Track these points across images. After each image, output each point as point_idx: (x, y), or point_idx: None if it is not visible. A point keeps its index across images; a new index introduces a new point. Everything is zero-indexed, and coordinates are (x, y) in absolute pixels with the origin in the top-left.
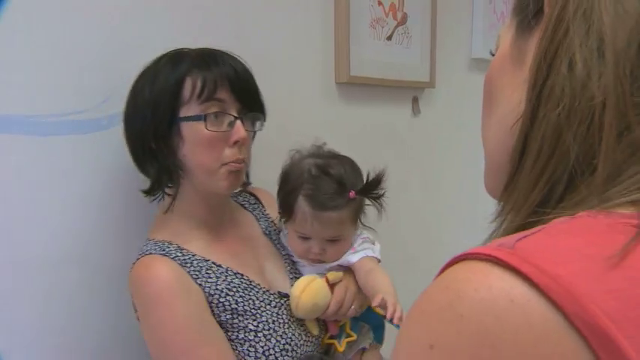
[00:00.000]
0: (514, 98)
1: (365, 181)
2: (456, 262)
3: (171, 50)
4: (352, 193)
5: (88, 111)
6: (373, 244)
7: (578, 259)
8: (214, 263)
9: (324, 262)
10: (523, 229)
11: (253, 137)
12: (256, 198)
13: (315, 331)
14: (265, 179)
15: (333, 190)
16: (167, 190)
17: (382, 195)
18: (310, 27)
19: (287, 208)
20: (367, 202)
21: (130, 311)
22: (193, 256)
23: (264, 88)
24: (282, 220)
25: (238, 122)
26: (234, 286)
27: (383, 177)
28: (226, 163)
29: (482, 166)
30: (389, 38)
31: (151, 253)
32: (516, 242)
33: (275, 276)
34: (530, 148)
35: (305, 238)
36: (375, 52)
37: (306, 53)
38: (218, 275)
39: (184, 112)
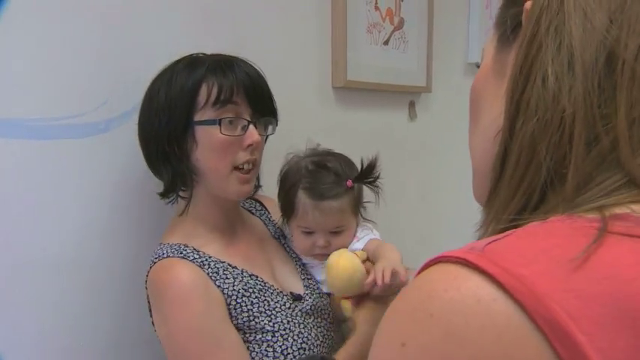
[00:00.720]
0: (496, 109)
1: (360, 169)
2: (431, 265)
3: (188, 55)
4: (349, 182)
5: (85, 115)
6: (372, 231)
7: (543, 260)
8: (230, 265)
9: (328, 255)
10: None
11: (265, 141)
12: (262, 204)
13: (349, 312)
14: (264, 183)
15: (331, 180)
16: (181, 194)
17: (377, 178)
18: (307, 31)
19: (288, 206)
20: (365, 200)
21: (138, 313)
22: (210, 257)
23: None
24: (285, 219)
25: (252, 126)
26: (250, 287)
27: (376, 162)
28: (237, 168)
29: None
30: (386, 43)
31: (168, 256)
32: (486, 245)
33: (286, 277)
34: (509, 159)
35: (309, 233)
36: (372, 57)
37: (303, 57)
38: (235, 276)
39: (199, 117)
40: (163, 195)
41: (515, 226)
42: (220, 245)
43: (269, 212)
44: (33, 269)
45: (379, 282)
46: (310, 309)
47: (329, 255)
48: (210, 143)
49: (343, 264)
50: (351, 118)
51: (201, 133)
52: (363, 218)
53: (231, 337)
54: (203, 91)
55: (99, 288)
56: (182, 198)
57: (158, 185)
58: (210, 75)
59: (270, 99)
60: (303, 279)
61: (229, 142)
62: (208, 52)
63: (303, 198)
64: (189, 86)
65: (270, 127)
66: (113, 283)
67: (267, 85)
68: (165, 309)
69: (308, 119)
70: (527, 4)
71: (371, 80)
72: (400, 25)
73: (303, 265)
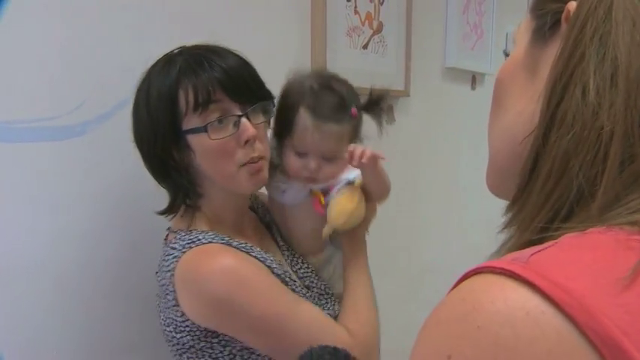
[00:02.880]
0: (524, 110)
1: (368, 99)
2: (472, 275)
3: (166, 54)
4: (354, 110)
5: (60, 117)
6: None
7: (590, 273)
8: (246, 244)
9: (317, 181)
10: (530, 245)
11: (270, 125)
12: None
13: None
14: None
15: (336, 102)
16: (189, 203)
17: (384, 111)
18: (287, 35)
19: (287, 123)
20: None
21: (115, 319)
22: (230, 239)
23: None
24: (278, 139)
25: (243, 120)
26: (270, 262)
27: (386, 94)
28: (244, 164)
29: (455, 175)
30: (365, 47)
31: (202, 243)
32: (530, 256)
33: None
34: (540, 169)
35: (302, 155)
36: (352, 61)
37: (282, 61)
38: (258, 253)
39: (186, 125)
40: (165, 212)
41: (544, 237)
42: (236, 235)
43: (263, 204)
44: (7, 275)
45: (356, 155)
46: (313, 289)
47: (315, 180)
48: (205, 150)
49: (346, 201)
50: None
51: (193, 140)
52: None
53: (296, 294)
54: (181, 97)
55: (74, 293)
56: (190, 207)
57: (135, 188)
58: (183, 78)
59: (257, 82)
60: (296, 266)
61: (223, 143)
62: None
63: (304, 117)
64: (166, 95)
65: (269, 110)
66: (90, 287)
67: (250, 70)
68: (233, 295)
69: None
70: (571, 5)
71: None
72: (379, 29)
73: (291, 253)
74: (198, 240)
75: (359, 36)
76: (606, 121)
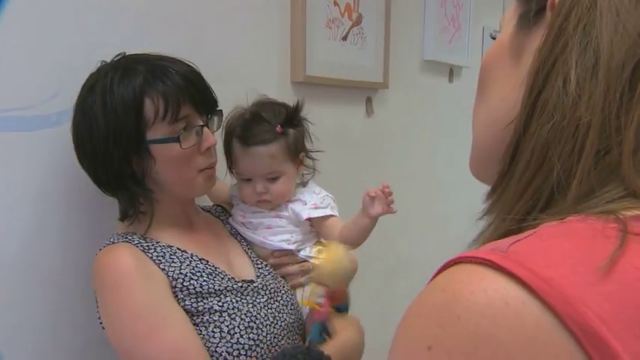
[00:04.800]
0: (508, 96)
1: (285, 114)
2: (452, 265)
3: (115, 60)
4: (279, 128)
5: (34, 107)
6: (321, 197)
7: (569, 262)
8: (179, 249)
9: (271, 203)
10: (508, 234)
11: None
12: (223, 208)
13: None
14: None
15: (261, 127)
16: (142, 209)
17: (300, 121)
18: (266, 26)
19: (227, 155)
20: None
21: (92, 313)
22: (157, 243)
23: (219, 88)
24: (230, 170)
25: (206, 129)
26: (199, 271)
27: (299, 106)
28: (202, 170)
29: (433, 166)
30: (344, 39)
31: (113, 242)
32: (510, 246)
33: (242, 269)
34: (520, 158)
35: (247, 180)
36: (331, 52)
37: (262, 52)
38: (182, 260)
39: (152, 134)
40: (123, 219)
41: (522, 226)
42: (174, 234)
43: (230, 215)
44: None
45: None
46: (261, 288)
47: (267, 202)
48: (170, 158)
49: (335, 253)
50: (309, 113)
51: (158, 150)
52: (306, 166)
53: (177, 316)
54: (148, 106)
55: (51, 286)
56: (142, 213)
57: None
58: (149, 87)
59: (210, 92)
60: (258, 267)
61: (189, 151)
62: (165, 48)
63: (236, 146)
64: (130, 103)
65: (217, 120)
66: (67, 281)
67: (203, 79)
68: (105, 292)
69: None
70: None
71: (329, 76)
72: (358, 21)
73: (261, 262)
74: (111, 241)
75: (338, 28)
76: (584, 112)
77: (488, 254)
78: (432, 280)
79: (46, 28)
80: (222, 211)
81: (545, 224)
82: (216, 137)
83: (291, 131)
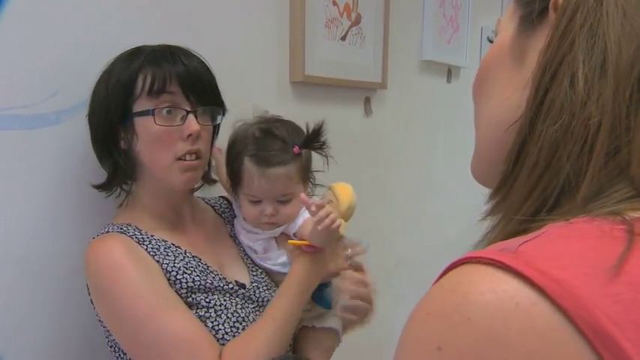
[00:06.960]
0: (510, 98)
1: (305, 135)
2: (459, 265)
3: (130, 48)
4: (296, 149)
5: (34, 105)
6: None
7: (579, 263)
8: (173, 244)
9: (277, 224)
10: (514, 234)
11: (216, 132)
12: (229, 203)
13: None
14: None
15: (277, 147)
16: (125, 187)
17: (324, 144)
18: (266, 26)
19: (235, 174)
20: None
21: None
22: (152, 236)
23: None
24: (233, 189)
25: (190, 116)
26: (192, 267)
27: (322, 127)
28: (180, 158)
29: (430, 166)
30: (343, 38)
31: (108, 232)
32: (519, 246)
33: (234, 271)
34: (526, 159)
35: (256, 202)
36: (330, 52)
37: (261, 52)
38: (176, 255)
39: (137, 108)
40: (101, 187)
41: (528, 227)
42: (166, 230)
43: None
44: None
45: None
46: (253, 296)
47: (275, 224)
48: (148, 134)
49: (347, 191)
50: (308, 113)
51: (140, 124)
52: (313, 184)
53: (173, 298)
54: (139, 81)
55: (48, 283)
56: (124, 191)
57: None
58: (146, 65)
59: (213, 88)
60: (253, 274)
61: (167, 132)
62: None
63: (249, 166)
64: (125, 78)
65: (218, 117)
66: (63, 277)
67: (209, 75)
68: (101, 280)
69: None
70: None
71: (328, 75)
72: (357, 20)
73: (256, 267)
74: (105, 231)
75: (337, 27)
76: (594, 111)
77: (497, 255)
78: (438, 279)
79: (45, 27)
80: (228, 207)
81: (551, 225)
82: (210, 136)
83: (304, 151)
